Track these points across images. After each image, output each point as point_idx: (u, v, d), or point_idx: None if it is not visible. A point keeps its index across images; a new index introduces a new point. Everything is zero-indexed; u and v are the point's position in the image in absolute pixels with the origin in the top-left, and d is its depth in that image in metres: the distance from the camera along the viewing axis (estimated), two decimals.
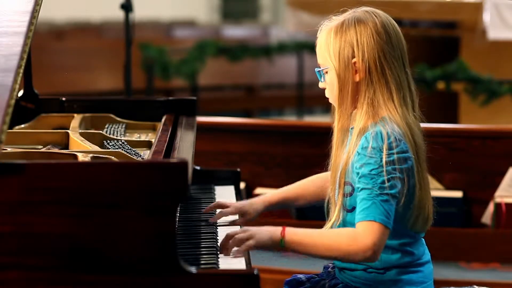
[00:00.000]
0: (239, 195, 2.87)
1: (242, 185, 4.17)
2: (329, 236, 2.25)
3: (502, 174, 4.14)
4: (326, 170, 2.47)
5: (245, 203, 2.58)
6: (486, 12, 6.41)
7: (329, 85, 2.35)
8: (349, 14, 2.34)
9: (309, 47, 9.16)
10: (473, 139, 4.21)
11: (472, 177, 4.21)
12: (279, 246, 2.24)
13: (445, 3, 6.89)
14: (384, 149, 2.20)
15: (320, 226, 2.36)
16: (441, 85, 6.13)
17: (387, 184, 2.19)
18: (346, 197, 2.30)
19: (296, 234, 2.24)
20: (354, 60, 2.28)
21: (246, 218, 2.54)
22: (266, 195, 2.62)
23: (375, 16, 2.31)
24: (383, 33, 2.29)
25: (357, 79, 2.29)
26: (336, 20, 2.34)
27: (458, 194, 4.17)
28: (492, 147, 4.19)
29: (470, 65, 6.09)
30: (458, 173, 4.21)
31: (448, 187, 4.20)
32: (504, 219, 4.06)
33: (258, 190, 4.30)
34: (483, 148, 4.19)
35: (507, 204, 4.06)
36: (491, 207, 4.12)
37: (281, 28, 12.12)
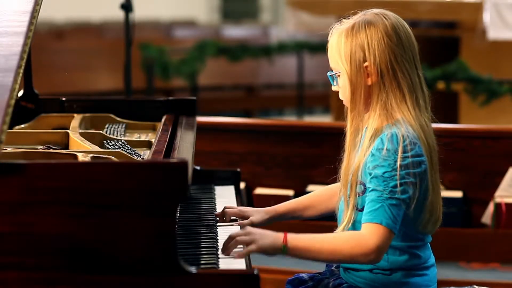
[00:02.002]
0: (239, 195, 2.87)
1: (242, 185, 4.17)
2: (331, 241, 2.24)
3: (502, 174, 4.14)
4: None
5: (249, 208, 2.56)
6: (486, 12, 6.41)
7: (342, 89, 2.35)
8: (359, 16, 2.33)
9: (309, 47, 9.17)
10: (473, 139, 4.20)
11: (472, 177, 4.21)
12: (281, 253, 2.23)
13: (445, 3, 6.89)
14: (399, 152, 2.20)
15: (322, 226, 2.36)
16: (441, 85, 6.12)
17: (399, 189, 2.19)
18: (358, 196, 2.29)
19: (298, 240, 2.23)
20: (365, 64, 2.27)
21: (249, 222, 2.52)
22: (274, 206, 2.59)
23: (385, 18, 2.29)
24: (393, 36, 2.28)
25: (369, 82, 2.29)
26: (346, 23, 2.33)
27: (458, 194, 4.17)
28: (492, 147, 4.19)
29: (470, 65, 6.09)
30: (458, 173, 4.21)
31: (448, 187, 4.20)
32: (504, 219, 4.06)
33: (258, 190, 4.30)
34: (483, 148, 4.19)
35: (507, 204, 4.06)
36: (491, 207, 4.12)
37: (281, 28, 12.11)
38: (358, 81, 2.29)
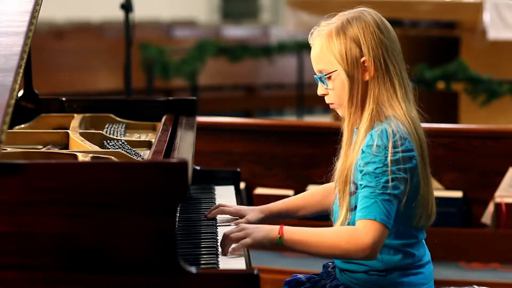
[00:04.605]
0: (239, 195, 2.87)
1: (242, 185, 4.17)
2: (327, 235, 2.25)
3: (502, 174, 4.14)
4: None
5: (245, 207, 2.56)
6: (486, 12, 6.41)
7: (337, 89, 2.32)
8: (344, 15, 2.32)
9: (309, 47, 9.16)
10: (473, 139, 4.21)
11: (472, 177, 4.21)
12: (276, 245, 2.24)
13: (445, 3, 6.89)
14: (390, 148, 2.20)
15: (319, 226, 2.36)
16: (441, 85, 6.13)
17: (390, 184, 2.19)
18: (351, 196, 2.30)
19: (294, 233, 2.24)
20: (363, 59, 2.28)
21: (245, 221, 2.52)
22: (267, 204, 2.59)
23: (370, 14, 2.31)
24: (383, 29, 2.29)
25: (367, 77, 2.29)
26: (328, 24, 2.33)
27: (458, 194, 4.17)
28: (492, 147, 4.19)
29: (470, 65, 6.09)
30: (458, 173, 4.21)
31: (448, 187, 4.20)
32: (504, 219, 4.07)
33: (258, 190, 4.30)
34: (483, 148, 4.19)
35: (507, 204, 4.06)
36: (491, 207, 4.13)
37: (281, 28, 12.12)
38: (356, 77, 2.28)
